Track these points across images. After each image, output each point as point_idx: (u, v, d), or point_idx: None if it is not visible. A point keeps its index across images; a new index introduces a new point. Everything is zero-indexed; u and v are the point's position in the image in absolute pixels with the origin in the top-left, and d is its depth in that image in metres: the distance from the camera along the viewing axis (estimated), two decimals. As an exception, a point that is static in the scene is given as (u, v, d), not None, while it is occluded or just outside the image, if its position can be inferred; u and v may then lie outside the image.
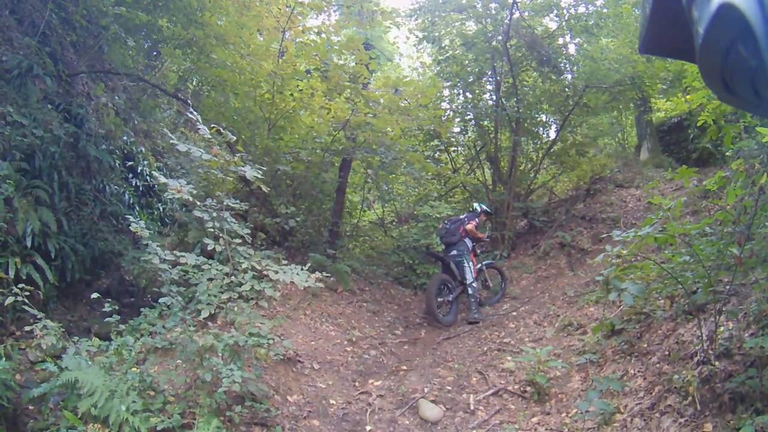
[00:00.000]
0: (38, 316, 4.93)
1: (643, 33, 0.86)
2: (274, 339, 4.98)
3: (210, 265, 4.89)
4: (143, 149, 10.02)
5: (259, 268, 4.90)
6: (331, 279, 7.59)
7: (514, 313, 7.66)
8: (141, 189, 9.76)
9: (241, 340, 4.50)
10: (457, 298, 8.24)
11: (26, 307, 4.99)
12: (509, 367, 5.73)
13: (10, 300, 5.03)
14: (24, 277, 6.26)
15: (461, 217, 8.72)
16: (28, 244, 6.54)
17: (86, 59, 8.83)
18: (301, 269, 5.04)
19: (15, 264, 6.31)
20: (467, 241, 8.38)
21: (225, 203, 5.22)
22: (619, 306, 5.61)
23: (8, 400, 4.83)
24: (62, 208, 7.47)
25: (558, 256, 9.22)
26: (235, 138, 4.90)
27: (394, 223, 12.91)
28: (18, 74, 7.15)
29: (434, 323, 7.96)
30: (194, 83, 10.57)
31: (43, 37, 7.75)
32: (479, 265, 8.62)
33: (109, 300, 5.43)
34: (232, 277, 4.88)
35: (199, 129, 5.13)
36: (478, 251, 8.86)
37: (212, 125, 5.36)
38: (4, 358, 5.10)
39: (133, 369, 4.69)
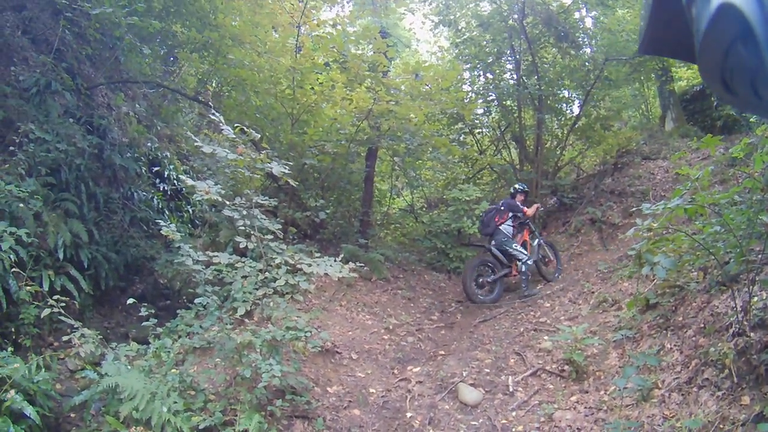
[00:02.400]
0: (75, 326, 4.96)
1: (643, 33, 0.86)
2: (311, 331, 4.96)
3: (243, 262, 4.89)
4: (168, 154, 10.08)
5: (292, 262, 4.88)
6: (365, 268, 7.61)
7: (549, 292, 7.55)
8: (169, 193, 9.82)
9: (278, 334, 4.50)
10: (501, 278, 8.25)
11: (62, 318, 5.03)
12: (546, 347, 5.66)
13: (46, 312, 5.08)
14: (59, 289, 6.34)
15: (496, 206, 8.62)
16: (61, 256, 6.63)
17: (104, 71, 8.91)
18: (334, 260, 5.02)
19: (49, 276, 6.39)
20: (504, 228, 8.33)
21: (254, 201, 5.22)
22: (653, 280, 5.51)
23: (50, 410, 4.89)
24: (92, 218, 7.56)
25: (589, 233, 9.08)
26: (259, 135, 4.87)
27: (424, 209, 12.84)
28: (37, 92, 7.25)
29: (470, 306, 7.91)
30: (214, 85, 10.61)
31: (58, 54, 7.83)
32: (537, 240, 8.65)
33: (145, 304, 5.46)
34: (266, 273, 4.87)
35: (222, 129, 5.13)
36: (533, 228, 8.84)
37: (235, 125, 5.36)
38: (44, 369, 5.16)
39: (173, 370, 4.70)
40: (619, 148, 10.51)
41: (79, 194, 7.38)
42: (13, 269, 5.75)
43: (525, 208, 8.46)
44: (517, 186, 8.76)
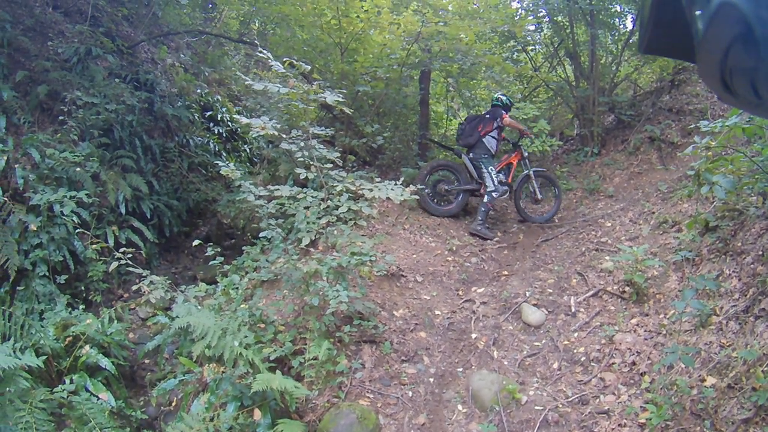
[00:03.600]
0: (143, 274, 5.12)
1: (643, 33, 0.85)
2: (375, 256, 4.97)
3: (305, 193, 4.91)
4: (219, 98, 10.18)
5: (353, 188, 4.87)
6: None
7: (610, 212, 7.36)
8: (224, 135, 9.96)
9: (344, 261, 4.52)
10: (465, 192, 7.76)
11: (131, 269, 5.20)
12: (608, 267, 5.52)
13: (114, 266, 5.29)
14: (124, 242, 6.59)
15: (482, 114, 8.00)
16: (122, 210, 6.87)
17: (143, 28, 9.02)
18: (395, 184, 4.98)
19: (113, 232, 6.63)
20: (487, 140, 7.66)
21: (311, 132, 5.20)
22: (713, 201, 5.29)
23: (124, 359, 5.13)
24: (150, 170, 7.77)
25: (648, 151, 8.72)
26: (309, 67, 4.81)
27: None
28: (78, 60, 7.41)
29: (532, 226, 7.73)
30: (257, 24, 10.55)
31: (93, 20, 7.96)
32: (526, 171, 8.01)
33: (210, 244, 5.59)
34: (328, 201, 4.88)
35: (272, 65, 5.08)
36: (525, 153, 8.07)
37: (284, 59, 5.31)
38: (116, 321, 5.37)
39: (242, 306, 4.82)
40: (676, 65, 9.98)
41: (134, 149, 7.57)
42: (77, 230, 5.97)
43: (505, 116, 7.63)
44: (502, 97, 8.00)
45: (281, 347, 4.40)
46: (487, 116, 7.74)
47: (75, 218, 6.03)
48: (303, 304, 4.69)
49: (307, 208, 4.94)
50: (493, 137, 7.68)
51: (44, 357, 4.38)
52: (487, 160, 7.58)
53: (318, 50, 8.28)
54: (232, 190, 7.57)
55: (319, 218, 4.90)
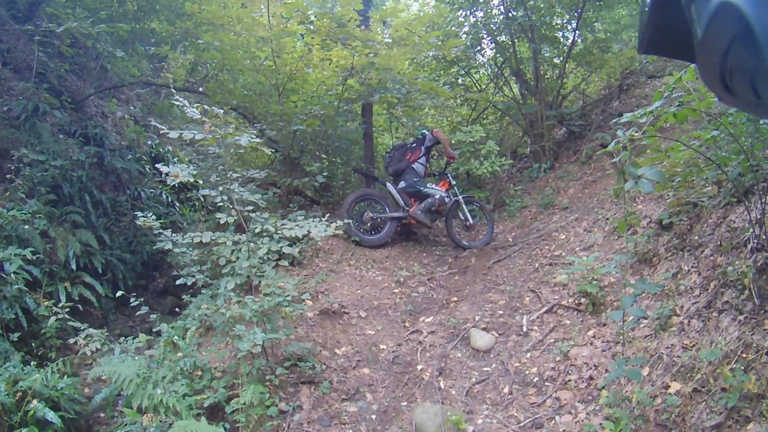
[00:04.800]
0: (81, 327, 5.07)
1: (642, 33, 0.86)
2: (292, 297, 4.86)
3: (226, 237, 4.86)
4: (170, 148, 10.17)
5: (272, 229, 4.83)
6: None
7: (564, 224, 7.31)
8: (177, 185, 9.88)
9: (265, 303, 4.47)
10: (394, 220, 7.72)
11: (69, 323, 5.20)
12: (561, 281, 5.46)
13: (52, 320, 5.32)
14: (77, 298, 6.56)
15: (408, 143, 8.15)
16: (73, 266, 6.83)
17: (91, 81, 9.02)
18: (319, 220, 4.94)
19: (65, 288, 6.60)
20: (416, 166, 7.81)
21: (232, 176, 5.17)
22: (667, 199, 5.20)
23: (76, 413, 5.06)
24: (102, 224, 7.75)
25: (601, 159, 8.71)
26: (221, 111, 4.79)
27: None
28: (26, 117, 7.41)
29: (485, 249, 7.65)
30: (203, 73, 10.63)
31: (40, 76, 7.98)
32: (454, 199, 7.91)
33: (168, 297, 5.50)
34: (250, 243, 4.83)
35: (187, 111, 5.07)
36: (453, 182, 8.09)
37: (204, 106, 5.31)
38: (67, 376, 5.31)
39: (178, 354, 4.76)
40: (623, 70, 10.05)
41: (84, 204, 7.55)
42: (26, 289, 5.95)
43: (435, 131, 7.89)
44: (425, 131, 8.09)
45: (215, 393, 4.35)
46: (414, 144, 7.90)
47: (26, 275, 5.99)
48: (235, 349, 4.61)
49: (236, 251, 4.89)
50: (421, 164, 7.83)
51: (-6, 411, 4.39)
52: (421, 181, 7.71)
53: (258, 93, 8.34)
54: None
55: (239, 259, 4.85)
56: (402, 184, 7.77)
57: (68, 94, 8.37)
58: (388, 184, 7.89)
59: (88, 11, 7.68)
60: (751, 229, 3.51)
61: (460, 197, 7.98)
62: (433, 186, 7.69)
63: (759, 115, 2.36)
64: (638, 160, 3.49)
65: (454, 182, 8.09)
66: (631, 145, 3.48)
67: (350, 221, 7.19)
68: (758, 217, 3.47)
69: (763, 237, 3.39)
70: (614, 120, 3.63)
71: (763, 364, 2.85)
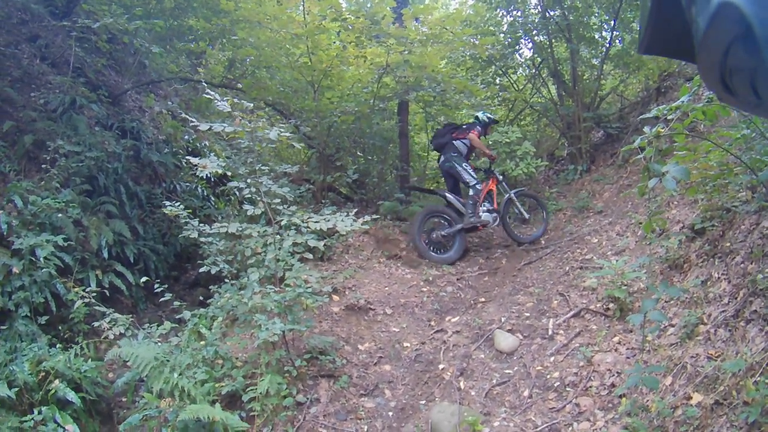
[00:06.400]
0: (107, 312, 5.15)
1: (642, 33, 0.85)
2: (314, 288, 4.86)
3: (252, 228, 4.88)
4: (207, 143, 10.29)
5: (299, 222, 4.83)
6: (406, 223, 7.64)
7: (597, 228, 7.16)
8: (213, 180, 10.01)
9: (288, 294, 4.47)
10: (460, 232, 7.49)
11: (96, 308, 5.28)
12: (591, 285, 5.32)
13: (78, 304, 5.39)
14: (107, 286, 6.64)
15: (460, 124, 8.07)
16: (105, 255, 6.91)
17: (129, 76, 9.20)
18: (347, 215, 4.93)
19: (96, 276, 6.68)
20: (457, 143, 7.72)
21: (281, 170, 5.24)
22: (699, 203, 5.03)
23: (98, 396, 5.14)
24: (136, 215, 7.85)
25: (638, 162, 8.51)
26: (251, 105, 4.84)
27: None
28: (63, 111, 7.56)
29: (516, 250, 7.59)
30: (242, 68, 10.75)
31: (77, 71, 8.14)
32: (506, 195, 7.91)
33: (202, 287, 5.50)
34: (277, 235, 4.84)
35: (217, 105, 5.12)
36: (500, 178, 8.02)
37: (235, 101, 5.36)
38: (91, 359, 5.41)
39: (202, 342, 4.82)
40: (661, 72, 9.83)
41: (119, 195, 7.65)
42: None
43: (475, 131, 7.68)
44: (479, 113, 8.03)
45: (233, 382, 4.37)
46: (464, 127, 7.85)
47: (57, 262, 6.11)
48: (257, 339, 4.63)
49: (265, 243, 4.91)
50: (464, 143, 7.73)
51: (16, 389, 4.54)
52: (458, 158, 7.63)
53: (294, 90, 8.40)
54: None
55: (266, 252, 4.86)
56: (441, 159, 7.78)
57: (105, 88, 8.52)
58: (447, 194, 7.79)
59: (124, 8, 7.83)
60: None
61: (512, 193, 7.94)
62: (467, 168, 7.61)
63: (759, 115, 2.34)
64: (666, 160, 3.34)
65: (501, 178, 8.05)
66: (658, 141, 3.32)
67: (421, 241, 7.25)
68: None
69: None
70: (652, 123, 3.47)
71: (788, 377, 2.71)
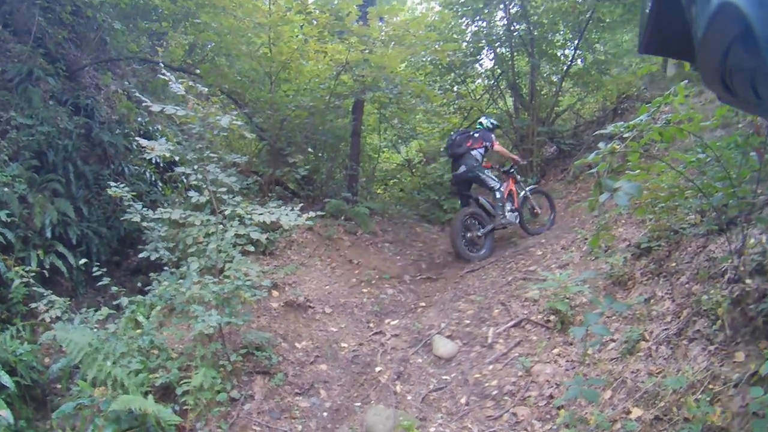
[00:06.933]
0: (45, 294, 5.01)
1: (642, 33, 0.86)
2: (253, 282, 4.84)
3: (195, 216, 4.82)
4: (159, 127, 10.11)
5: (243, 213, 4.79)
6: (351, 222, 7.63)
7: (543, 241, 7.30)
8: (162, 165, 9.84)
9: (226, 286, 4.43)
10: (491, 232, 7.83)
11: (35, 288, 5.14)
12: (533, 296, 5.39)
13: (16, 283, 5.21)
14: (47, 267, 6.48)
15: (471, 131, 8.23)
16: (48, 234, 6.75)
17: (89, 52, 8.98)
18: (291, 209, 4.89)
19: (37, 255, 6.51)
20: (474, 153, 7.89)
21: (230, 159, 5.19)
22: (647, 223, 5.16)
23: (32, 381, 5.00)
24: (81, 196, 7.66)
25: (588, 179, 8.73)
26: (205, 89, 4.79)
27: (422, 163, 12.66)
28: (19, 81, 7.35)
29: (459, 257, 7.67)
30: (202, 53, 10.60)
31: (38, 41, 7.94)
32: (522, 193, 8.24)
33: (139, 276, 5.40)
34: (220, 225, 4.80)
35: (171, 87, 5.05)
36: (519, 177, 8.43)
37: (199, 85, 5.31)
38: (26, 342, 5.26)
39: (137, 331, 4.74)
40: (620, 94, 10.10)
41: (66, 174, 7.47)
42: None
43: (495, 142, 8.03)
44: (491, 119, 8.38)
45: (168, 373, 4.31)
46: (476, 135, 8.01)
47: (0, 239, 5.93)
48: (194, 331, 4.58)
49: (207, 233, 4.85)
50: (480, 152, 7.93)
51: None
52: (480, 167, 7.84)
53: (251, 79, 8.33)
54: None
55: (208, 243, 4.80)
56: (462, 168, 7.90)
57: (64, 62, 8.34)
58: (481, 198, 7.97)
59: (90, -19, 7.66)
60: (730, 260, 3.44)
61: (527, 191, 8.31)
62: (490, 173, 7.88)
63: (759, 115, 2.39)
64: (618, 178, 3.40)
65: (519, 177, 8.40)
66: (612, 158, 3.39)
67: (461, 242, 7.49)
68: (738, 248, 3.40)
69: (742, 268, 3.32)
70: (606, 142, 3.53)
71: (730, 396, 2.81)
